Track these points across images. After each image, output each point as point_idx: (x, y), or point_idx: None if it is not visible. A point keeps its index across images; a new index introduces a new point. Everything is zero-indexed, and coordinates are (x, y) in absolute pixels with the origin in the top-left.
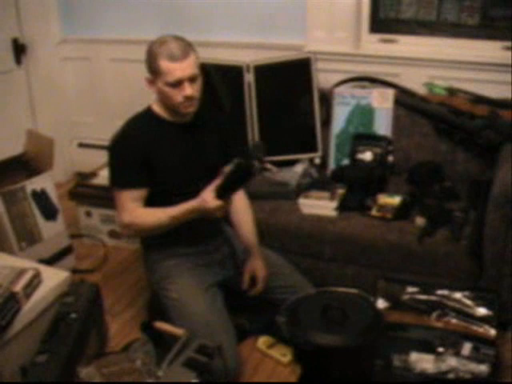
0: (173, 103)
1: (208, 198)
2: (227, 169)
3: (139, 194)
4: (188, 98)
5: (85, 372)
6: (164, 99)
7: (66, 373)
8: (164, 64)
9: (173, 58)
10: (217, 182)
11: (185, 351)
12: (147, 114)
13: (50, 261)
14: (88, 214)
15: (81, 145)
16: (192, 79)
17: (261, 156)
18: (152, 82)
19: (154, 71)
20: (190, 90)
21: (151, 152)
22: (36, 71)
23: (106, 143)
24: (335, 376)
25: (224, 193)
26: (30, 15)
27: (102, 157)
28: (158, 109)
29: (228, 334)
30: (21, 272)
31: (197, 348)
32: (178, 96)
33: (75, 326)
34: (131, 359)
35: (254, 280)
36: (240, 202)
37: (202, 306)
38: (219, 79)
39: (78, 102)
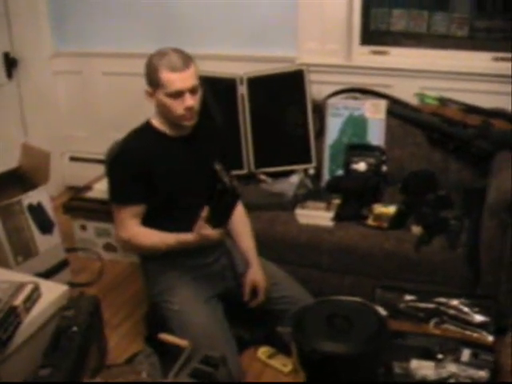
0: (174, 115)
1: (206, 231)
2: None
3: (138, 209)
4: (189, 110)
5: None
6: (164, 112)
7: None
8: (165, 75)
9: (174, 69)
10: (204, 215)
11: (190, 362)
12: (146, 128)
13: (46, 275)
14: (83, 228)
15: (72, 158)
16: (192, 90)
17: (224, 175)
18: (152, 94)
19: (155, 83)
20: (191, 101)
21: (151, 167)
22: (27, 85)
23: (98, 157)
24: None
25: (218, 222)
26: (22, 29)
27: (94, 170)
28: (157, 123)
29: (229, 345)
30: (20, 286)
31: (202, 359)
32: (178, 108)
33: (77, 339)
34: (136, 371)
35: (254, 292)
36: (237, 214)
37: (203, 318)
38: (209, 92)
39: (69, 116)
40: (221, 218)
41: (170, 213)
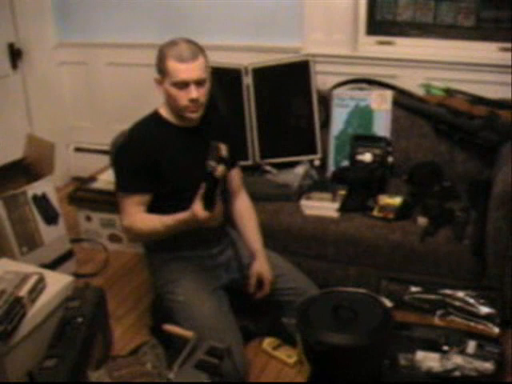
0: (178, 106)
1: (197, 209)
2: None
3: (142, 199)
4: (193, 102)
5: (95, 376)
6: (170, 101)
7: (75, 377)
8: (172, 64)
9: (181, 59)
10: (199, 192)
11: (195, 353)
12: (154, 117)
13: (52, 265)
14: (88, 219)
15: (77, 149)
16: (199, 83)
17: (215, 156)
18: (160, 82)
19: (162, 71)
20: (195, 93)
21: (158, 157)
22: (32, 76)
23: (103, 147)
24: (346, 375)
25: (209, 201)
26: (26, 20)
27: (99, 161)
28: (164, 113)
29: (234, 336)
30: (25, 277)
31: (207, 350)
32: (183, 98)
33: (82, 330)
34: (141, 362)
35: (260, 283)
36: (243, 206)
37: (209, 309)
38: (214, 82)
39: (74, 107)
40: (207, 201)
41: (175, 203)
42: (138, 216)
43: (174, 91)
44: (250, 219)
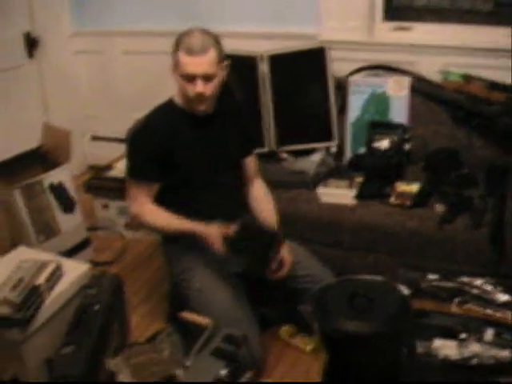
0: (185, 97)
1: (214, 235)
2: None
3: (151, 187)
4: (198, 96)
5: (113, 363)
6: (181, 91)
7: (92, 364)
8: (181, 55)
9: (189, 52)
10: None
11: (212, 341)
12: (169, 105)
13: (69, 254)
14: (105, 207)
15: (94, 138)
16: (206, 78)
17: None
18: (174, 71)
19: (174, 61)
20: (201, 87)
21: (172, 145)
22: (48, 65)
23: (120, 136)
24: (363, 363)
25: (232, 247)
26: (42, 9)
27: (116, 149)
28: (179, 100)
29: (251, 324)
30: (42, 265)
31: (224, 337)
32: (190, 91)
33: (99, 317)
34: (158, 350)
35: (280, 264)
36: (261, 191)
37: (225, 296)
38: (230, 70)
39: (90, 96)
40: (235, 246)
41: (187, 191)
42: (147, 207)
43: (181, 82)
44: (267, 203)
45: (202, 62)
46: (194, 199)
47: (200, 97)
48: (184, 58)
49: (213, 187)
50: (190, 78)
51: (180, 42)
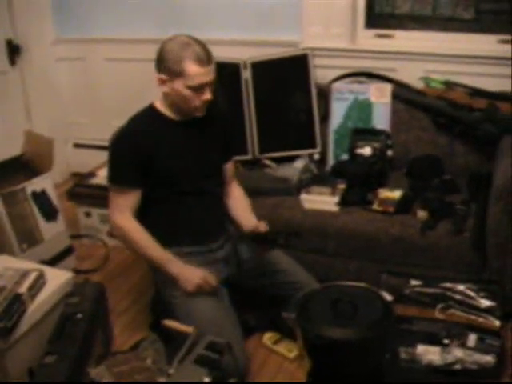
0: (189, 107)
1: (193, 282)
2: None
3: (132, 195)
4: (205, 102)
5: (95, 372)
6: (178, 101)
7: (75, 373)
8: (191, 67)
9: (200, 62)
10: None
11: (195, 348)
12: (149, 111)
13: (51, 262)
14: (87, 215)
15: (76, 145)
16: (212, 84)
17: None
18: (165, 82)
19: (175, 73)
20: (209, 94)
21: (153, 151)
22: (31, 72)
23: (102, 143)
24: (346, 370)
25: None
26: (24, 16)
27: (98, 157)
28: (161, 107)
29: (235, 331)
30: (25, 273)
31: (207, 345)
32: (196, 100)
33: (81, 326)
34: (141, 358)
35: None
36: (236, 192)
37: (209, 304)
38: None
39: (73, 103)
40: None
41: (173, 198)
42: (131, 223)
43: (187, 93)
44: (242, 200)
45: (211, 70)
46: (179, 206)
47: (206, 103)
48: (195, 70)
49: (198, 194)
50: (199, 88)
51: (182, 54)
